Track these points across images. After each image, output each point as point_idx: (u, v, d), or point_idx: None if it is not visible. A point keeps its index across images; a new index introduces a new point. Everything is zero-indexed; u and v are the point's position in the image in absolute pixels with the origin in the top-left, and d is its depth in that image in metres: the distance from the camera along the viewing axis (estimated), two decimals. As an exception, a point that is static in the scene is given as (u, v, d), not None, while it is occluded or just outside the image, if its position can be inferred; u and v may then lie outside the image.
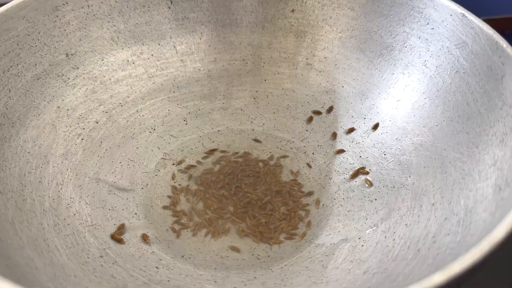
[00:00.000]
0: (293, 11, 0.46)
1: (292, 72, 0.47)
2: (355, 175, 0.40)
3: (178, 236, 0.38)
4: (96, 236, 0.36)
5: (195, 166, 0.43)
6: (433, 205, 0.34)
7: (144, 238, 0.37)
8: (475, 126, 0.34)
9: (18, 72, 0.37)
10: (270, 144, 0.44)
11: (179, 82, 0.46)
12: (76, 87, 0.41)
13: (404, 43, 0.41)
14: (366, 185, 0.39)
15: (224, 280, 0.35)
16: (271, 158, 0.43)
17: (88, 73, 0.42)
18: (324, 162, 0.42)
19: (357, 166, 0.41)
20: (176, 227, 0.38)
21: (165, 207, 0.39)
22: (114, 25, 0.43)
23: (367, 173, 0.40)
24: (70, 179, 0.38)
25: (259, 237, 0.37)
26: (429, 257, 0.30)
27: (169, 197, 0.40)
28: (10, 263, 0.29)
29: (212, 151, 0.44)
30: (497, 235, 0.23)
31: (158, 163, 0.43)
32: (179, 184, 0.41)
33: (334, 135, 0.43)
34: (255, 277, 0.35)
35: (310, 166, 0.42)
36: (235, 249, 0.37)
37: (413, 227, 0.34)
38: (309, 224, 0.38)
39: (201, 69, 0.47)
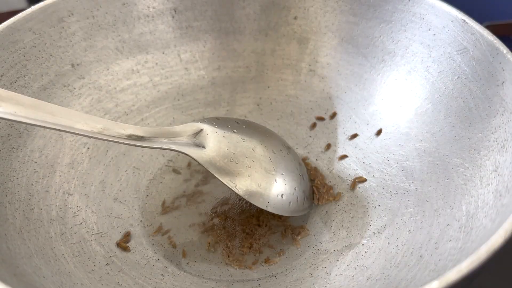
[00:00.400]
0: (295, 18, 0.46)
1: (295, 79, 0.47)
2: (353, 186, 0.40)
3: (183, 244, 0.38)
4: (102, 244, 0.36)
5: (200, 172, 0.43)
6: (435, 211, 0.35)
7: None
8: (476, 131, 0.34)
9: (25, 83, 0.38)
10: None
11: (184, 90, 0.47)
12: (81, 97, 0.42)
13: (406, 49, 0.41)
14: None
15: (229, 287, 0.35)
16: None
17: (93, 83, 0.42)
18: (328, 168, 0.43)
19: (361, 172, 0.41)
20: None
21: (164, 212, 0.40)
22: (118, 35, 0.43)
23: (365, 180, 0.40)
24: (77, 188, 0.39)
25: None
26: (431, 263, 0.30)
27: (173, 204, 0.41)
28: (18, 272, 0.29)
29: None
30: (495, 242, 0.23)
31: (163, 171, 0.43)
32: (184, 192, 0.42)
33: (328, 146, 0.44)
34: (259, 285, 0.35)
35: (313, 172, 0.43)
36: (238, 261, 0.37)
37: (416, 233, 0.34)
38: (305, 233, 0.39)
39: (205, 76, 0.47)
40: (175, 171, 0.43)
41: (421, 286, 0.23)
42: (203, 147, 0.35)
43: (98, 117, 0.33)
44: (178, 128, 0.36)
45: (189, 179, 0.43)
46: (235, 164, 0.35)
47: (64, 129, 0.31)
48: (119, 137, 0.33)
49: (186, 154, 0.35)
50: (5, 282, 0.25)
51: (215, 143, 0.36)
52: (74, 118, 0.31)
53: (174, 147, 0.35)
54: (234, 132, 0.37)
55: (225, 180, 0.35)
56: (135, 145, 0.33)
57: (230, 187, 0.35)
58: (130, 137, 0.33)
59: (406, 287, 0.30)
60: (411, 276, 0.31)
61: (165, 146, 0.35)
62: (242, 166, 0.35)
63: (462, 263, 0.22)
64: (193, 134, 0.36)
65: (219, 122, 0.37)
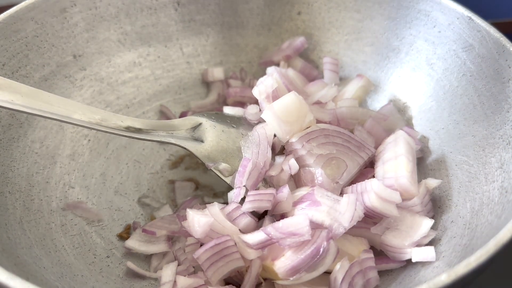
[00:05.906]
0: (299, 13, 0.46)
1: (298, 74, 0.47)
2: None
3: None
4: (102, 237, 0.36)
5: (200, 165, 0.43)
6: (439, 208, 0.34)
7: None
8: (481, 129, 0.34)
9: (27, 73, 0.38)
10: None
11: (185, 84, 0.46)
12: (83, 88, 0.41)
13: (411, 46, 0.41)
14: None
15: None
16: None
17: (95, 75, 0.42)
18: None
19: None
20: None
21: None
22: (121, 27, 0.43)
23: None
24: (77, 180, 0.38)
25: None
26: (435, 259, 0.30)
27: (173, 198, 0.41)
28: (19, 262, 0.29)
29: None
30: (503, 237, 0.23)
31: (164, 164, 0.43)
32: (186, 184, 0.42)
33: None
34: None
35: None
36: None
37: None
38: None
39: (207, 71, 0.47)
40: (175, 164, 0.43)
41: (426, 281, 0.23)
42: (202, 141, 0.36)
43: (96, 108, 0.33)
44: (176, 121, 0.36)
45: (189, 171, 0.43)
46: (233, 159, 0.35)
47: (62, 119, 0.31)
48: (117, 129, 0.33)
49: (184, 148, 0.35)
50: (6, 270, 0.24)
51: (213, 137, 0.36)
52: (72, 108, 0.31)
53: (172, 141, 0.35)
54: (233, 127, 0.37)
55: (224, 177, 0.35)
56: (133, 137, 0.34)
57: (229, 183, 0.35)
58: (128, 129, 0.33)
59: (410, 282, 0.30)
60: (415, 272, 0.31)
61: (163, 139, 0.35)
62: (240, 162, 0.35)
63: (471, 257, 0.22)
64: (192, 128, 0.36)
65: (218, 116, 0.37)
